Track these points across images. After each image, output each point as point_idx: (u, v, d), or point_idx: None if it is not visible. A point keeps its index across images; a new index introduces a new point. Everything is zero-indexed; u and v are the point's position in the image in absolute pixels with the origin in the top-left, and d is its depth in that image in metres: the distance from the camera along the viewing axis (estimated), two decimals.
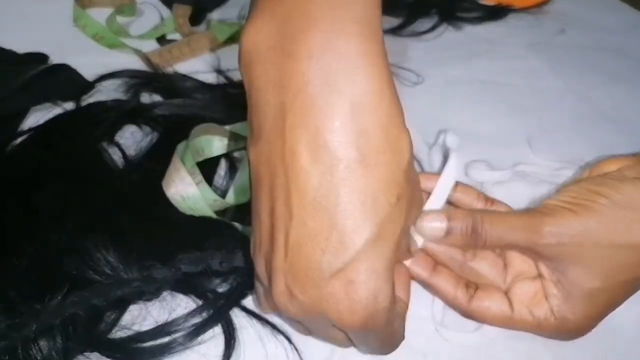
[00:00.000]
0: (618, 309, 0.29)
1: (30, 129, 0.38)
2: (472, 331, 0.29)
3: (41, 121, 0.38)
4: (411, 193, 0.22)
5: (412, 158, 0.23)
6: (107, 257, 0.28)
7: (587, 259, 0.26)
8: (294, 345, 0.27)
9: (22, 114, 0.39)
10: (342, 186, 0.21)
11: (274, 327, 0.28)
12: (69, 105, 0.41)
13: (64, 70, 0.43)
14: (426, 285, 0.29)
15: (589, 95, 0.46)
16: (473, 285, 0.29)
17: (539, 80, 0.48)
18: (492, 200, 0.31)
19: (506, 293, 0.28)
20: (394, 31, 0.53)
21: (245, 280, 0.29)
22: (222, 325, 0.28)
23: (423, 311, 0.29)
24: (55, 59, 0.45)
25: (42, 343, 0.25)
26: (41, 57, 0.45)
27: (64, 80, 0.42)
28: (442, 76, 0.47)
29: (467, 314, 0.29)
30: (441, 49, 0.51)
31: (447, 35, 0.53)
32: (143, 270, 0.28)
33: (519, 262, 0.29)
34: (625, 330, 0.29)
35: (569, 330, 0.27)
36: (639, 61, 0.51)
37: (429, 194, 0.29)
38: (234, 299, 0.29)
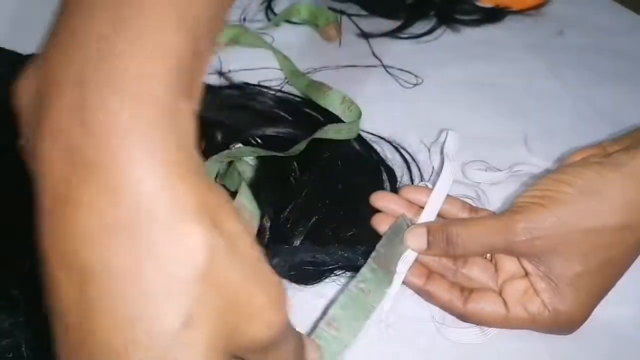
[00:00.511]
0: (618, 308, 0.30)
1: None
2: (472, 328, 0.29)
3: None
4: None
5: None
6: None
7: (564, 247, 0.27)
8: None
9: None
10: None
11: None
12: None
13: None
14: (421, 293, 0.30)
15: (587, 96, 0.46)
16: (467, 290, 0.29)
17: (537, 81, 0.48)
18: (477, 209, 0.32)
19: (500, 294, 0.29)
20: (393, 34, 0.53)
21: None
22: None
23: (424, 312, 0.30)
24: None
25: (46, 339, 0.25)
26: None
27: None
28: (441, 78, 0.48)
29: (463, 317, 0.29)
30: (440, 51, 0.51)
31: (446, 37, 0.54)
32: None
33: (508, 264, 0.29)
34: (625, 330, 0.29)
35: (563, 322, 0.28)
36: (637, 62, 0.51)
37: (419, 207, 0.31)
38: None
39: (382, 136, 0.40)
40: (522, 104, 0.45)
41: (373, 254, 0.29)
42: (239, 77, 0.45)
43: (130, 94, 0.15)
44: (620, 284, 0.31)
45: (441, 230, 0.29)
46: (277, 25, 0.54)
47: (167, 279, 0.15)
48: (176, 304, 0.15)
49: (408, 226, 0.30)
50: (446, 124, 0.41)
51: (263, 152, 0.35)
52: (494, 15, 0.56)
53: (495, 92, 0.46)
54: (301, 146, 0.36)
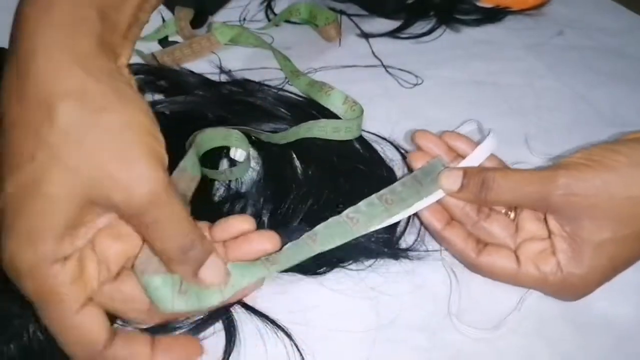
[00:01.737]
0: (618, 306, 0.30)
1: None
2: (486, 328, 0.29)
3: None
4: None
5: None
6: None
7: (599, 211, 0.27)
8: (294, 341, 0.28)
9: None
10: None
11: (274, 323, 0.28)
12: None
13: None
14: (438, 237, 0.31)
15: (587, 95, 0.46)
16: (483, 242, 0.30)
17: (537, 81, 0.48)
18: None
19: (515, 251, 0.29)
20: (393, 33, 0.53)
21: None
22: (223, 322, 0.28)
23: (424, 312, 0.30)
24: None
25: None
26: None
27: None
28: (441, 78, 0.48)
29: (475, 266, 0.30)
30: (440, 51, 0.51)
31: (446, 37, 0.54)
32: None
33: (530, 225, 0.30)
34: (626, 330, 0.29)
35: (573, 285, 0.28)
36: (637, 62, 0.51)
37: (458, 155, 0.32)
38: None
39: (382, 136, 0.40)
40: (522, 104, 0.45)
41: (383, 191, 0.30)
42: (239, 76, 0.45)
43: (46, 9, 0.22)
44: (620, 282, 0.31)
45: (478, 174, 0.29)
46: (276, 25, 0.54)
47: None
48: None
49: (443, 167, 0.31)
50: (446, 123, 0.41)
51: (253, 132, 0.36)
52: (494, 15, 0.56)
53: (495, 92, 0.47)
54: (293, 132, 0.36)
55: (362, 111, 0.40)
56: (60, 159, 0.21)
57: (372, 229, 0.29)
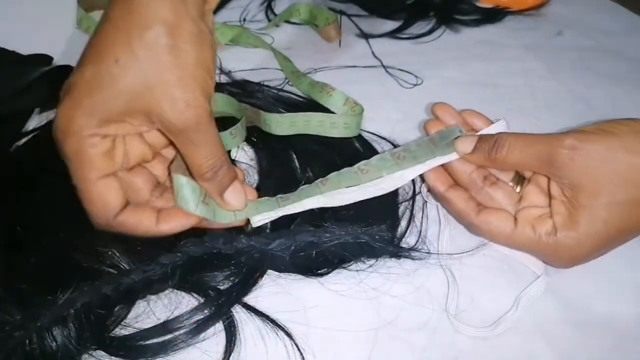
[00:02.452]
0: (619, 305, 0.30)
1: (34, 130, 0.38)
2: (484, 327, 0.29)
3: (45, 122, 0.39)
4: None
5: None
6: (114, 250, 0.28)
7: (601, 174, 0.27)
8: (294, 341, 0.28)
9: (26, 115, 0.40)
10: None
11: (275, 323, 0.28)
12: None
13: (68, 71, 0.43)
14: (440, 199, 0.33)
15: (587, 96, 0.46)
16: (483, 205, 0.31)
17: (536, 81, 0.48)
18: None
19: (514, 215, 0.31)
20: (393, 34, 0.53)
21: (246, 277, 0.30)
22: (224, 322, 0.28)
23: (423, 311, 0.30)
24: (58, 60, 0.46)
25: (56, 332, 0.26)
26: (45, 59, 0.45)
27: (59, 73, 0.42)
28: (441, 78, 0.48)
29: (473, 226, 0.31)
30: (439, 51, 0.52)
31: (445, 37, 0.54)
32: (149, 258, 0.28)
33: (534, 197, 0.31)
34: (627, 330, 0.29)
35: (566, 248, 0.28)
36: (636, 62, 0.51)
37: (473, 129, 0.35)
38: (235, 296, 0.29)
39: (382, 136, 0.40)
40: (521, 104, 0.45)
41: (397, 149, 0.33)
42: (239, 78, 0.45)
43: None
44: (620, 282, 0.31)
45: (491, 138, 0.31)
46: (277, 25, 0.54)
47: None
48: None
49: (460, 133, 0.33)
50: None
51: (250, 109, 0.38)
52: (494, 16, 0.56)
53: (494, 92, 0.47)
54: (291, 121, 0.37)
55: (362, 111, 0.40)
56: (137, 69, 0.26)
57: (380, 178, 0.31)
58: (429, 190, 0.34)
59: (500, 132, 0.31)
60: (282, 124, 0.37)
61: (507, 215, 0.31)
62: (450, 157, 0.32)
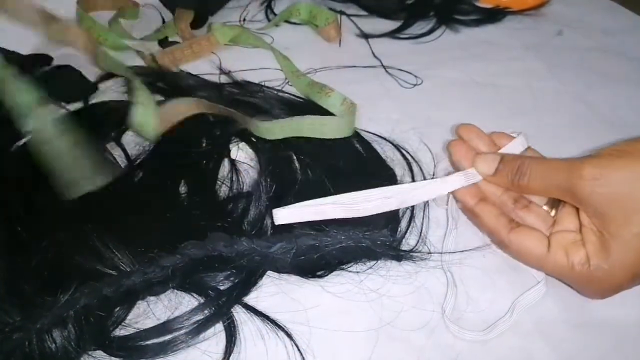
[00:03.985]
0: (621, 307, 0.30)
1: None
2: (477, 331, 0.29)
3: None
4: None
5: None
6: (115, 251, 0.28)
7: (627, 204, 0.26)
8: (294, 341, 0.28)
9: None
10: None
11: (275, 323, 0.28)
12: (73, 106, 0.41)
13: (68, 71, 0.43)
14: (470, 214, 0.32)
15: (586, 96, 0.46)
16: (515, 223, 0.30)
17: (536, 81, 0.48)
18: None
19: (548, 237, 0.29)
20: (393, 34, 0.53)
21: (246, 277, 0.30)
22: (224, 323, 0.28)
23: (423, 310, 0.30)
24: (58, 60, 0.46)
25: (56, 334, 0.26)
26: (45, 59, 0.45)
27: (68, 82, 0.43)
28: (441, 78, 0.48)
29: (504, 244, 0.30)
30: (439, 51, 0.52)
31: (445, 37, 0.54)
32: (150, 260, 0.28)
33: (569, 221, 0.29)
34: (627, 330, 0.29)
35: (599, 279, 0.27)
36: (636, 62, 0.51)
37: (498, 147, 0.33)
38: (235, 296, 0.29)
39: (382, 136, 0.40)
40: (521, 104, 0.45)
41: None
42: (239, 77, 0.45)
43: None
44: None
45: (514, 160, 0.30)
46: (276, 25, 0.54)
47: None
48: None
49: None
50: (445, 123, 0.41)
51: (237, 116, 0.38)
52: (494, 16, 0.56)
53: (494, 92, 0.47)
54: (280, 127, 0.37)
55: (354, 111, 0.39)
56: None
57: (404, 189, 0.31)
58: (460, 205, 0.33)
59: (523, 157, 0.30)
60: (272, 129, 0.37)
61: (541, 237, 0.29)
62: (473, 177, 0.31)
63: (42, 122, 0.32)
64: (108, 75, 0.44)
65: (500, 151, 0.32)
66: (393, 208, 0.31)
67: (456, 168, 0.34)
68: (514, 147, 0.33)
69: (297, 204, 0.30)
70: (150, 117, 0.36)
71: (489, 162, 0.31)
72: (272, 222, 0.32)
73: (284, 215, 0.30)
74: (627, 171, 0.26)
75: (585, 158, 0.27)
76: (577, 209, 0.29)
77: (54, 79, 0.43)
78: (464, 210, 0.33)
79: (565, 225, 0.29)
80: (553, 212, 0.31)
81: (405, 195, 0.31)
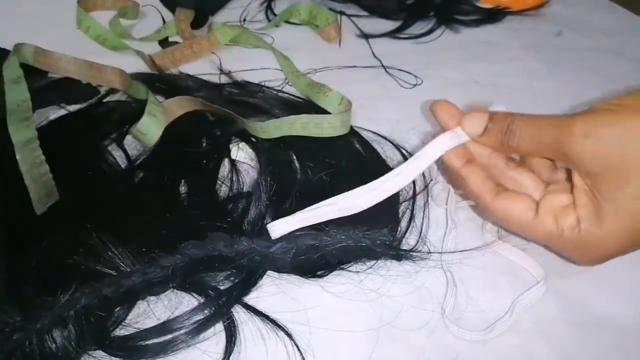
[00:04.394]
0: (620, 305, 0.30)
1: None
2: (477, 331, 0.29)
3: (44, 122, 0.39)
4: None
5: None
6: (115, 252, 0.28)
7: (622, 162, 0.23)
8: (294, 341, 0.28)
9: None
10: None
11: (275, 323, 0.28)
12: (72, 107, 0.41)
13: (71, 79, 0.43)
14: (456, 177, 0.29)
15: (586, 96, 0.46)
16: (503, 187, 0.28)
17: (536, 81, 0.48)
18: None
19: (537, 202, 0.27)
20: (393, 34, 0.53)
21: (246, 277, 0.30)
22: (224, 323, 0.28)
23: (423, 310, 0.30)
24: None
25: (56, 334, 0.26)
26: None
27: (67, 82, 0.43)
28: (441, 78, 0.48)
29: (489, 211, 0.28)
30: (439, 52, 0.52)
31: (445, 37, 0.54)
32: (150, 260, 0.28)
33: (560, 182, 0.28)
34: (627, 330, 0.29)
35: (590, 245, 0.25)
36: (636, 62, 0.51)
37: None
38: (235, 296, 0.29)
39: (382, 135, 0.40)
40: (521, 104, 0.45)
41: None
42: (239, 78, 0.45)
43: None
44: (620, 281, 0.31)
45: (504, 119, 0.27)
46: (276, 25, 0.54)
47: None
48: None
49: None
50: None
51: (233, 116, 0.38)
52: (493, 16, 0.56)
53: (494, 92, 0.47)
54: (275, 126, 0.37)
55: (349, 109, 0.39)
56: None
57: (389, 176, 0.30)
58: (444, 168, 0.30)
59: (513, 115, 0.27)
60: (267, 129, 0.38)
61: (528, 201, 0.27)
62: (459, 137, 0.29)
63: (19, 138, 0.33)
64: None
65: (491, 109, 0.30)
66: (385, 197, 0.29)
67: (442, 130, 0.31)
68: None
69: (290, 216, 0.29)
70: (157, 130, 0.37)
71: (477, 120, 0.28)
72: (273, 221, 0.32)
73: (279, 227, 0.29)
74: (621, 127, 0.23)
75: (577, 114, 0.25)
76: (570, 170, 0.27)
77: (53, 80, 0.43)
78: (450, 173, 0.30)
79: (556, 187, 0.28)
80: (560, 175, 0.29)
81: (393, 180, 0.29)
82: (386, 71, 0.48)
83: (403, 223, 0.34)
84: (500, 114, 0.28)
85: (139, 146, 0.38)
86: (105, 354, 0.27)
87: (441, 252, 0.32)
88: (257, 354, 0.27)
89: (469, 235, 0.33)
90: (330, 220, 0.31)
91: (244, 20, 0.54)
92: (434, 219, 0.34)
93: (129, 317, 0.28)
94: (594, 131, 0.24)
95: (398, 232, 0.33)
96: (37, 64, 0.42)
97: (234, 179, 0.36)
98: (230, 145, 0.38)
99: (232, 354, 0.27)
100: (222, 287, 0.29)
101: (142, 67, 0.46)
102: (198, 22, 0.52)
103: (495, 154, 0.29)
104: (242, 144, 0.38)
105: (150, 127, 0.37)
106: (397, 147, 0.39)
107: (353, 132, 0.39)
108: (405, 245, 0.33)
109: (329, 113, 0.41)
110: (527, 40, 0.54)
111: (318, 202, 0.33)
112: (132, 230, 0.30)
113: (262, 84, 0.44)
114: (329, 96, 0.42)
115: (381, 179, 0.30)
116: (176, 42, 0.50)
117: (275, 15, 0.55)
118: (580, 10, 0.59)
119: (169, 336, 0.27)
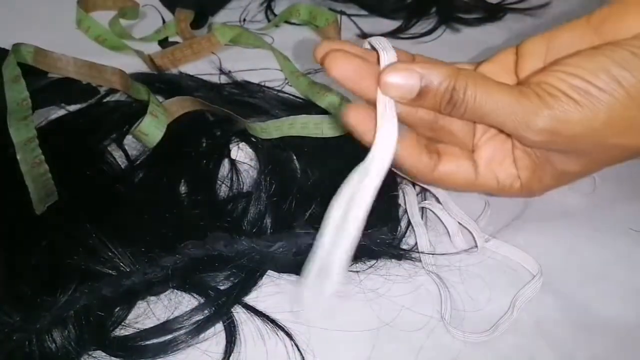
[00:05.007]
0: (620, 305, 0.30)
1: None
2: (480, 333, 0.29)
3: (44, 122, 0.39)
4: None
5: None
6: (115, 252, 0.28)
7: (575, 153, 0.24)
8: (294, 341, 0.28)
9: None
10: None
11: (275, 323, 0.28)
12: (72, 107, 0.41)
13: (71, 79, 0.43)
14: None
15: None
16: (435, 150, 0.26)
17: None
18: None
19: (472, 152, 0.27)
20: (393, 34, 0.53)
21: (246, 277, 0.30)
22: (224, 323, 0.28)
23: (423, 310, 0.30)
24: None
25: (56, 334, 0.26)
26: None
27: (67, 82, 0.43)
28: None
29: (432, 183, 0.27)
30: (440, 51, 0.51)
31: (445, 37, 0.54)
32: (150, 260, 0.28)
33: (495, 132, 0.27)
34: (627, 330, 0.29)
35: (529, 195, 0.28)
36: None
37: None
38: (235, 296, 0.29)
39: None
40: None
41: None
42: (239, 78, 0.45)
43: None
44: (620, 282, 0.31)
45: (447, 79, 0.22)
46: (276, 26, 0.54)
47: None
48: None
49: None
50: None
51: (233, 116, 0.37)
52: (495, 13, 0.56)
53: None
54: (275, 126, 0.37)
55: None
56: None
57: None
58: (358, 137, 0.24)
59: (459, 77, 0.22)
60: (267, 129, 0.38)
61: (465, 163, 0.26)
62: (386, 106, 0.22)
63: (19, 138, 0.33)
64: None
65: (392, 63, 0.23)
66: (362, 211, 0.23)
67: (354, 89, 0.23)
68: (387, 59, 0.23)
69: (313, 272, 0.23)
70: (158, 130, 0.37)
71: (405, 78, 0.22)
72: (272, 222, 0.32)
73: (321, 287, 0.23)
74: (584, 126, 0.22)
75: (538, 100, 0.22)
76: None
77: (53, 80, 0.43)
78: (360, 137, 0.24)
79: (488, 136, 0.27)
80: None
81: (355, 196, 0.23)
82: None
83: (403, 223, 0.34)
84: (440, 69, 0.22)
85: (139, 146, 0.38)
86: (105, 354, 0.27)
87: (440, 253, 0.32)
88: (257, 354, 0.27)
89: (469, 235, 0.33)
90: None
91: (244, 20, 0.54)
92: (434, 219, 0.34)
93: (129, 317, 0.28)
94: (557, 129, 0.22)
95: (398, 232, 0.33)
96: (37, 64, 0.42)
97: (234, 179, 0.36)
98: (230, 145, 0.38)
99: (232, 354, 0.27)
100: (222, 287, 0.30)
101: (142, 67, 0.46)
102: (198, 22, 0.52)
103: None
104: (242, 144, 0.38)
105: (152, 128, 0.37)
106: None
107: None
108: (405, 245, 0.33)
109: (329, 113, 0.41)
110: None
111: (318, 202, 0.33)
112: (132, 230, 0.30)
113: (262, 84, 0.44)
114: (329, 96, 0.41)
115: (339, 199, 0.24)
116: (176, 42, 0.50)
117: (275, 15, 0.55)
118: (581, 10, 0.59)
119: (169, 336, 0.27)
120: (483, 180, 0.27)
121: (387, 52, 0.23)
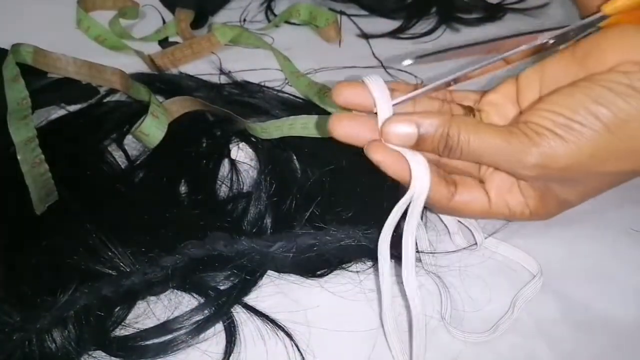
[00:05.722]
0: (620, 305, 0.30)
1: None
2: (481, 333, 0.29)
3: (44, 122, 0.39)
4: None
5: None
6: (115, 252, 0.28)
7: (570, 182, 0.26)
8: (294, 341, 0.28)
9: None
10: None
11: (275, 323, 0.28)
12: (72, 107, 0.41)
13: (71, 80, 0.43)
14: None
15: None
16: (452, 182, 0.28)
17: None
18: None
19: (483, 183, 0.29)
20: (393, 34, 0.53)
21: (246, 277, 0.30)
22: (224, 323, 0.28)
23: (428, 310, 0.30)
24: None
25: (56, 334, 0.26)
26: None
27: (67, 82, 0.43)
28: (440, 78, 0.48)
29: (447, 212, 0.30)
30: None
31: (446, 37, 0.54)
32: (150, 260, 0.28)
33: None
34: (627, 330, 0.29)
35: (539, 219, 0.30)
36: None
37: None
38: (235, 296, 0.29)
39: None
40: None
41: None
42: (239, 78, 0.45)
43: None
44: (620, 282, 0.31)
45: (441, 125, 0.25)
46: (276, 26, 0.54)
47: None
48: None
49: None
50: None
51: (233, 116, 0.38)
52: (495, 13, 0.56)
53: None
54: (275, 127, 0.37)
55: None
56: None
57: None
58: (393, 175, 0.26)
59: (451, 124, 0.25)
60: (267, 129, 0.38)
61: (479, 192, 0.28)
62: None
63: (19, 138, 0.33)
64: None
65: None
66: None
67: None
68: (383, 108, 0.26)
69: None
70: (159, 131, 0.37)
71: (402, 128, 0.25)
72: (272, 222, 0.32)
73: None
74: (572, 160, 0.24)
75: (527, 140, 0.24)
76: None
77: (53, 80, 0.43)
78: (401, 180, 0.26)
79: (495, 169, 0.28)
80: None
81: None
82: (386, 71, 0.48)
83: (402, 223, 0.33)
84: (434, 118, 0.25)
85: (139, 146, 0.38)
86: (105, 354, 0.27)
87: (440, 253, 0.32)
88: (257, 354, 0.27)
89: (469, 235, 0.33)
90: (330, 219, 0.31)
91: (244, 20, 0.54)
92: (434, 219, 0.34)
93: (129, 317, 0.28)
94: (547, 166, 0.24)
95: (398, 232, 0.33)
96: (37, 64, 0.42)
97: (234, 179, 0.36)
98: (230, 145, 0.38)
99: (232, 354, 0.27)
100: (222, 287, 0.30)
101: (142, 67, 0.46)
102: (198, 22, 0.52)
103: None
104: (242, 144, 0.38)
105: (153, 128, 0.37)
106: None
107: None
108: None
109: (329, 113, 0.41)
110: None
111: (318, 203, 0.33)
112: (132, 230, 0.30)
113: (262, 84, 0.44)
114: (329, 96, 0.41)
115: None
116: (176, 42, 0.50)
117: (275, 15, 0.55)
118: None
119: (169, 336, 0.27)
120: (496, 208, 0.28)
121: (381, 95, 0.27)
